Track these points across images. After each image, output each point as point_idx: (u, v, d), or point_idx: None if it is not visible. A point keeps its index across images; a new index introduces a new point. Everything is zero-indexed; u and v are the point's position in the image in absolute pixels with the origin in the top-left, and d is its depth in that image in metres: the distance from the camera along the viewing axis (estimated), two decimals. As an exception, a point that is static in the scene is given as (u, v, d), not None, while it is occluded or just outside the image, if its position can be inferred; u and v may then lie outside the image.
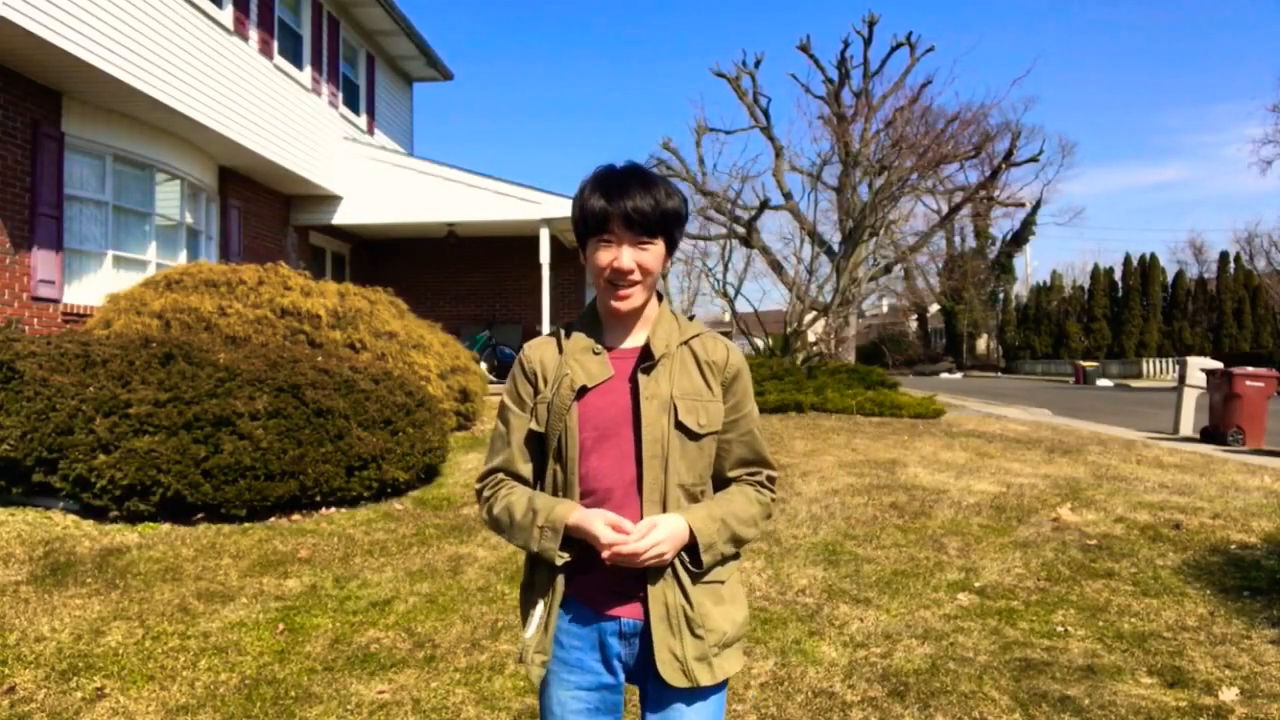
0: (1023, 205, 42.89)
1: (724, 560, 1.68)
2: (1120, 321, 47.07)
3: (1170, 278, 47.96)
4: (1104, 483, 7.34)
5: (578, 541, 1.59)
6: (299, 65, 12.80)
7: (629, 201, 1.58)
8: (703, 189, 26.61)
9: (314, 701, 3.25)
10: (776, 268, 24.59)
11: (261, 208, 13.09)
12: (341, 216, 14.02)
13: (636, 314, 1.69)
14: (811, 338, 17.85)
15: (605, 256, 1.62)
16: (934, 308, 56.39)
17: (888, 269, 29.08)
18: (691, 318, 1.77)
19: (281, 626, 3.95)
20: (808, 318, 17.36)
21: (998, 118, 41.08)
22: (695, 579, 1.63)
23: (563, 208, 13.06)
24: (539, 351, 1.72)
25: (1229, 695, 3.30)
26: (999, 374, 46.80)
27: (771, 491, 1.76)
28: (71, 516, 5.41)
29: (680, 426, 1.63)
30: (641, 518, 1.60)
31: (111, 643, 3.72)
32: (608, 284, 1.64)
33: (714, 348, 1.71)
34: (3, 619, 3.92)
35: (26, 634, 3.77)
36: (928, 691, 3.34)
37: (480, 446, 8.32)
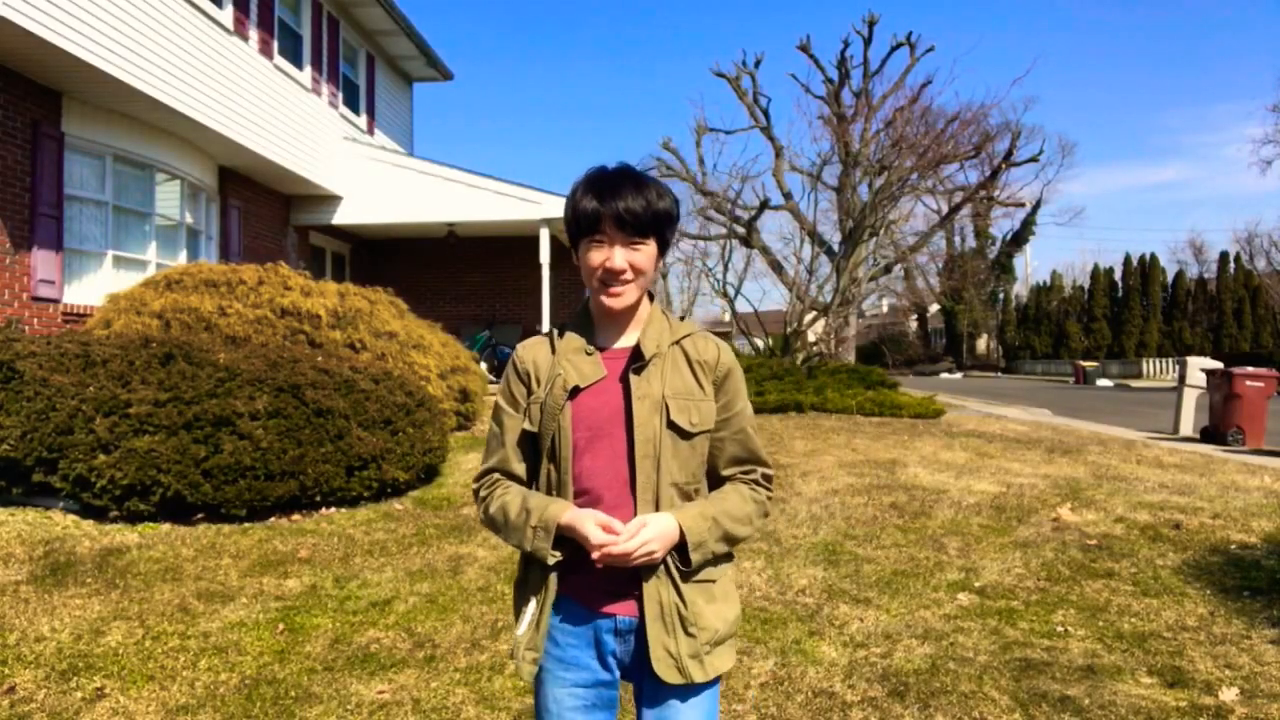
0: (1023, 205, 42.91)
1: (716, 559, 1.69)
2: (1120, 321, 47.07)
3: (1170, 278, 47.96)
4: (1104, 483, 7.34)
5: (571, 541, 1.61)
6: (299, 65, 12.80)
7: (621, 202, 1.60)
8: (703, 189, 26.62)
9: (314, 701, 3.25)
10: (776, 268, 24.59)
11: (261, 208, 13.09)
12: (341, 216, 14.02)
13: (628, 314, 1.70)
14: (811, 338, 17.86)
15: (597, 257, 1.63)
16: (934, 308, 56.39)
17: (888, 269, 29.08)
18: (683, 317, 1.79)
19: (281, 626, 3.95)
20: (808, 318, 17.36)
21: (998, 118, 41.11)
22: (686, 577, 1.65)
23: (562, 208, 13.03)
24: (532, 352, 1.74)
25: (1229, 695, 3.30)
26: (999, 374, 46.81)
27: (767, 489, 1.77)
28: (71, 516, 5.41)
29: (672, 426, 1.65)
30: (635, 517, 1.62)
31: (111, 643, 3.72)
32: (600, 284, 1.65)
33: (705, 347, 1.72)
34: (3, 619, 3.92)
35: (26, 634, 3.77)
36: (928, 691, 3.34)
37: (480, 446, 8.33)
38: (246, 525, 5.53)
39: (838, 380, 13.75)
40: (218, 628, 3.92)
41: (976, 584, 4.66)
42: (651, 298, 1.75)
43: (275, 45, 12.00)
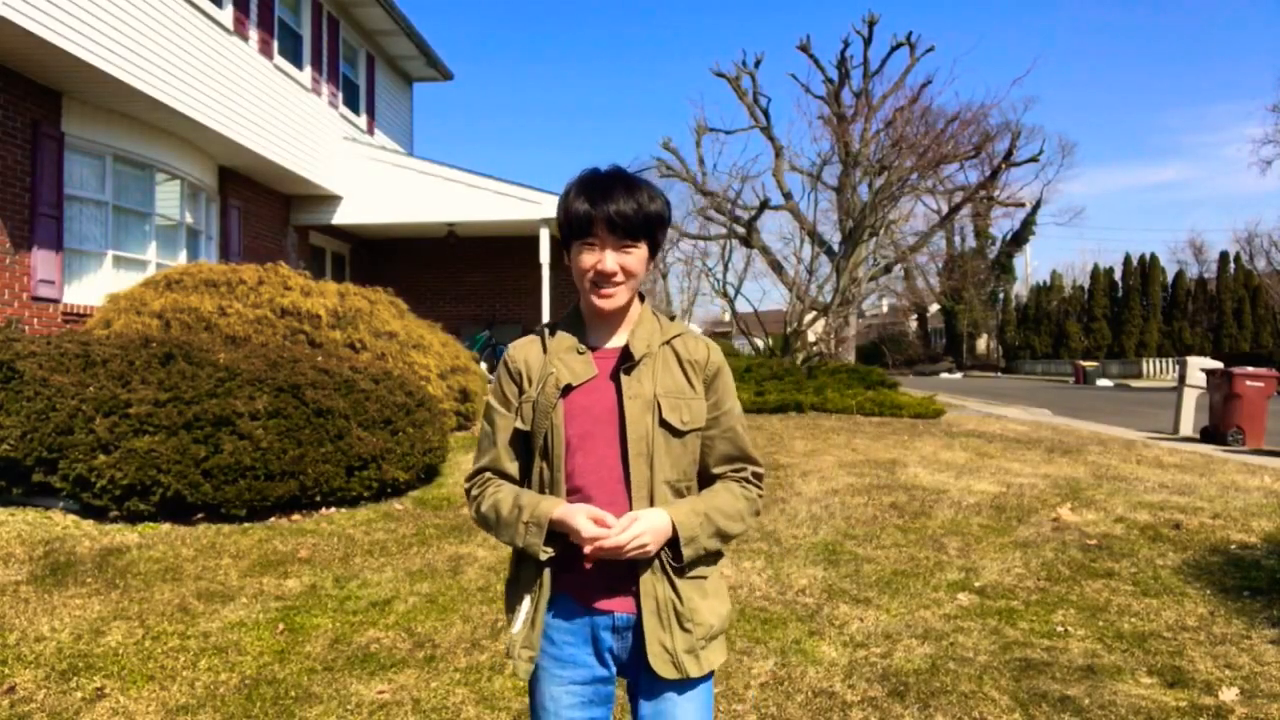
0: (1023, 205, 42.88)
1: (708, 555, 1.71)
2: (1120, 321, 47.07)
3: (1170, 278, 47.96)
4: (1104, 483, 7.34)
5: (564, 537, 1.63)
6: (299, 65, 12.80)
7: (612, 205, 1.62)
8: (703, 189, 26.60)
9: (314, 701, 3.25)
10: (776, 268, 24.58)
11: (261, 208, 13.09)
12: (341, 216, 14.02)
13: (619, 314, 1.72)
14: (811, 338, 17.85)
15: (589, 259, 1.65)
16: (934, 308, 56.39)
17: (888, 269, 29.05)
18: (673, 318, 1.81)
19: (281, 626, 3.95)
20: (808, 318, 17.36)
21: (998, 118, 41.09)
22: (679, 573, 1.67)
23: (563, 208, 13.05)
24: (523, 352, 1.75)
25: (1229, 695, 3.30)
26: (999, 374, 46.81)
27: (758, 487, 1.79)
28: (71, 516, 5.41)
29: (664, 424, 1.67)
30: (629, 512, 1.64)
31: (111, 643, 3.72)
32: (591, 285, 1.67)
33: (695, 346, 1.75)
34: (3, 619, 3.92)
35: (26, 634, 3.77)
36: (928, 691, 3.34)
37: (480, 446, 8.31)
38: (246, 525, 5.53)
39: (838, 380, 13.76)
40: (218, 628, 3.92)
41: (976, 584, 4.66)
42: (642, 298, 1.77)
43: (275, 45, 12.00)
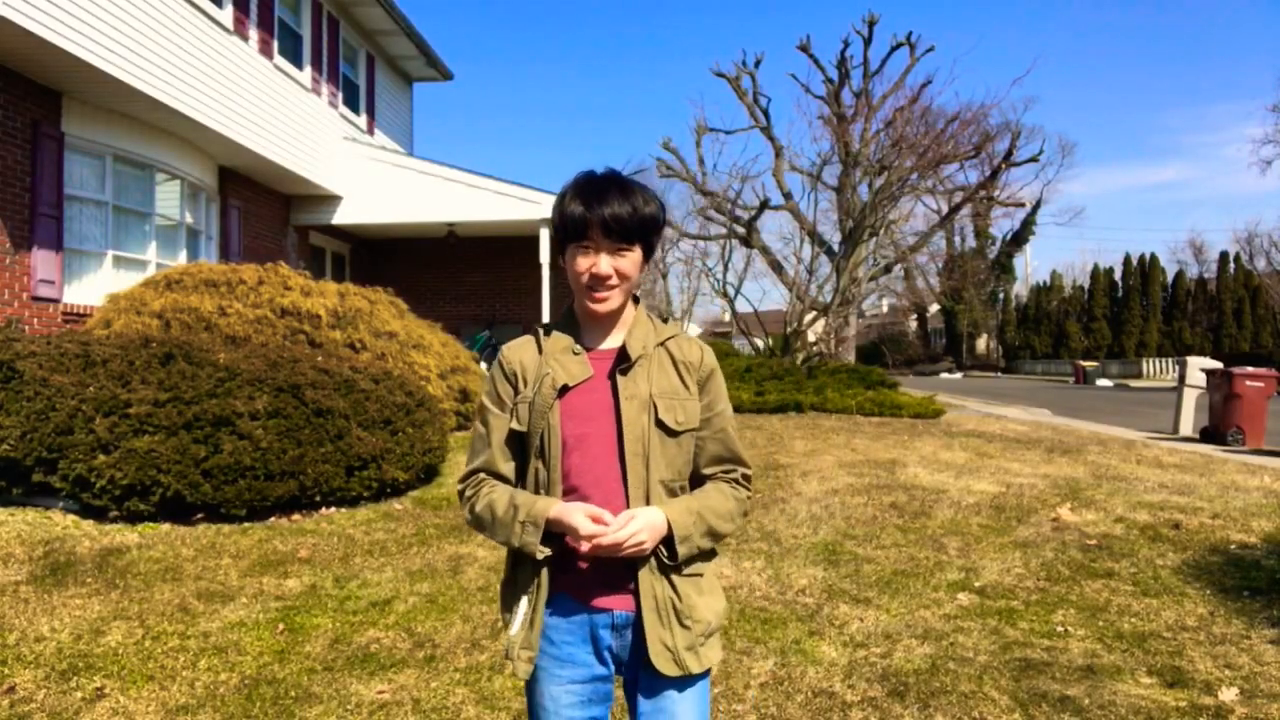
0: (1023, 205, 42.89)
1: (701, 553, 1.73)
2: (1120, 321, 47.07)
3: (1170, 278, 47.97)
4: (1104, 483, 7.34)
5: (560, 537, 1.64)
6: (299, 65, 12.80)
7: (607, 209, 1.63)
8: (703, 189, 26.61)
9: (314, 701, 3.25)
10: (776, 268, 24.57)
11: (261, 208, 13.09)
12: (341, 216, 14.02)
13: (614, 316, 1.74)
14: (811, 338, 17.85)
15: (584, 263, 1.67)
16: (934, 308, 56.39)
17: (888, 269, 29.06)
18: (666, 320, 1.83)
19: (281, 626, 3.95)
20: (808, 318, 17.36)
21: (998, 118, 41.11)
22: (675, 571, 1.69)
23: (563, 208, 13.06)
24: (518, 353, 1.77)
25: (1229, 695, 3.30)
26: (999, 374, 46.81)
27: (746, 489, 1.81)
28: (71, 516, 5.41)
29: (660, 424, 1.69)
30: (625, 510, 1.65)
31: (111, 643, 3.72)
32: (586, 288, 1.69)
33: (689, 348, 1.77)
34: (3, 619, 3.92)
35: (26, 634, 3.77)
36: (928, 691, 3.34)
37: (480, 446, 8.31)
38: (246, 525, 5.53)
39: (838, 380, 13.76)
40: (218, 628, 3.92)
41: (976, 584, 4.66)
42: (636, 300, 1.79)
43: (275, 45, 12.01)
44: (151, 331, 7.07)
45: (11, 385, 5.45)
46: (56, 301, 8.84)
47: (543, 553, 1.64)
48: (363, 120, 15.35)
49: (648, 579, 1.67)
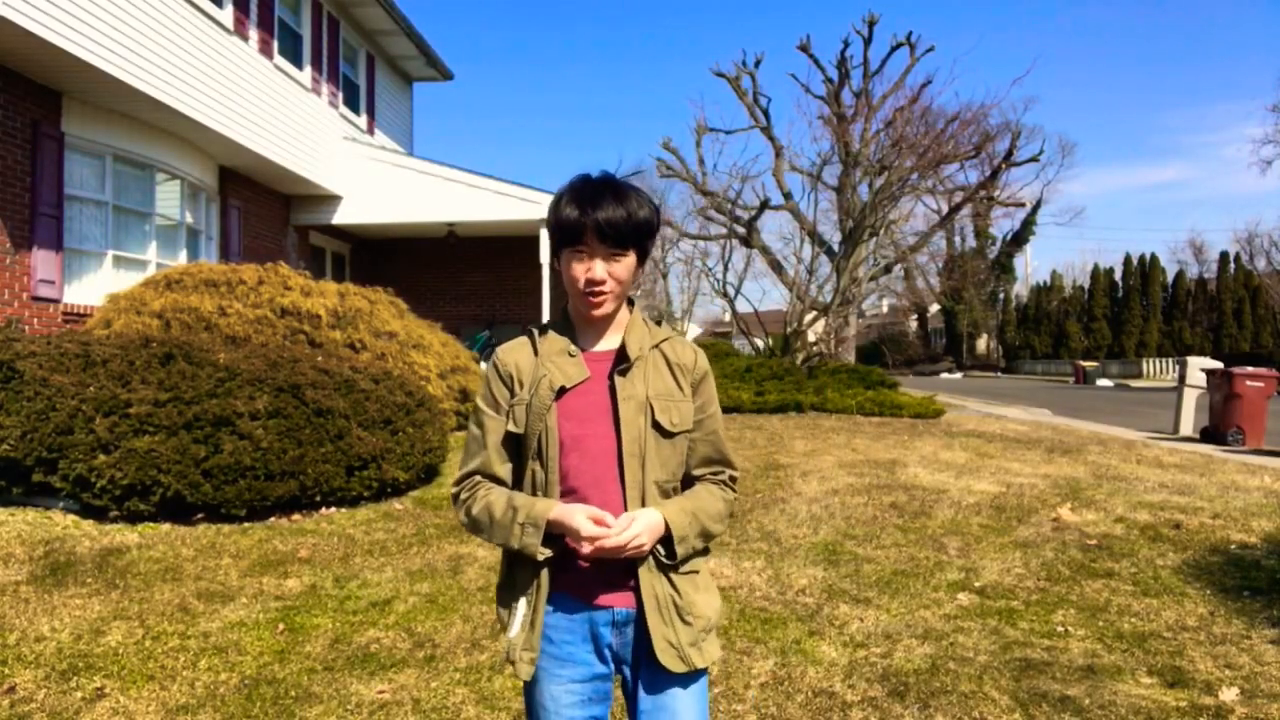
0: (1023, 205, 42.87)
1: (695, 552, 1.75)
2: (1120, 321, 47.08)
3: (1170, 278, 47.97)
4: (1104, 483, 7.34)
5: (557, 537, 1.65)
6: (299, 65, 12.80)
7: (602, 213, 1.64)
8: (703, 189, 26.59)
9: (314, 701, 3.25)
10: (776, 268, 24.56)
11: (261, 208, 13.09)
12: (341, 216, 14.02)
13: (608, 319, 1.76)
14: (811, 338, 17.84)
15: (579, 268, 1.69)
16: (934, 308, 56.40)
17: (888, 269, 29.04)
18: (659, 322, 1.85)
19: (281, 626, 3.95)
20: (808, 318, 17.35)
21: (998, 118, 40.98)
22: (673, 570, 1.71)
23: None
24: (514, 355, 1.78)
25: (1229, 695, 3.30)
26: (999, 374, 46.82)
27: (734, 490, 1.84)
28: (71, 516, 5.41)
29: (656, 426, 1.71)
30: (624, 512, 1.67)
31: (111, 643, 3.72)
32: (581, 293, 1.70)
33: (683, 351, 1.80)
34: (3, 619, 3.92)
35: (26, 634, 3.77)
36: (928, 691, 3.34)
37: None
38: (246, 525, 5.53)
39: (838, 380, 13.76)
40: (218, 628, 3.92)
41: (976, 584, 4.66)
42: (631, 303, 1.80)
43: (275, 45, 12.01)
44: (151, 331, 7.07)
45: (11, 385, 5.45)
46: (56, 301, 8.84)
47: (544, 554, 1.65)
48: (363, 120, 15.35)
49: (648, 578, 1.69)
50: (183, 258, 10.72)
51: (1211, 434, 11.49)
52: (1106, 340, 46.95)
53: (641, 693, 1.72)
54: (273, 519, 5.70)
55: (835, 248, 22.00)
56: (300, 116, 12.54)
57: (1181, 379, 12.76)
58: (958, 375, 44.46)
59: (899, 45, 28.06)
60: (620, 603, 1.70)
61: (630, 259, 1.70)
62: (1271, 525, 5.85)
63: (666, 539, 1.68)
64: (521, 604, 1.71)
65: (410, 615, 4.13)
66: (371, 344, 8.31)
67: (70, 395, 5.39)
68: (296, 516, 5.78)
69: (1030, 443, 9.78)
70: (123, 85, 8.68)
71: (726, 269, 20.32)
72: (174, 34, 9.42)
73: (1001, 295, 52.94)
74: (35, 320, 8.55)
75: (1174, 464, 8.54)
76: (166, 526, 5.40)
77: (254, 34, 11.39)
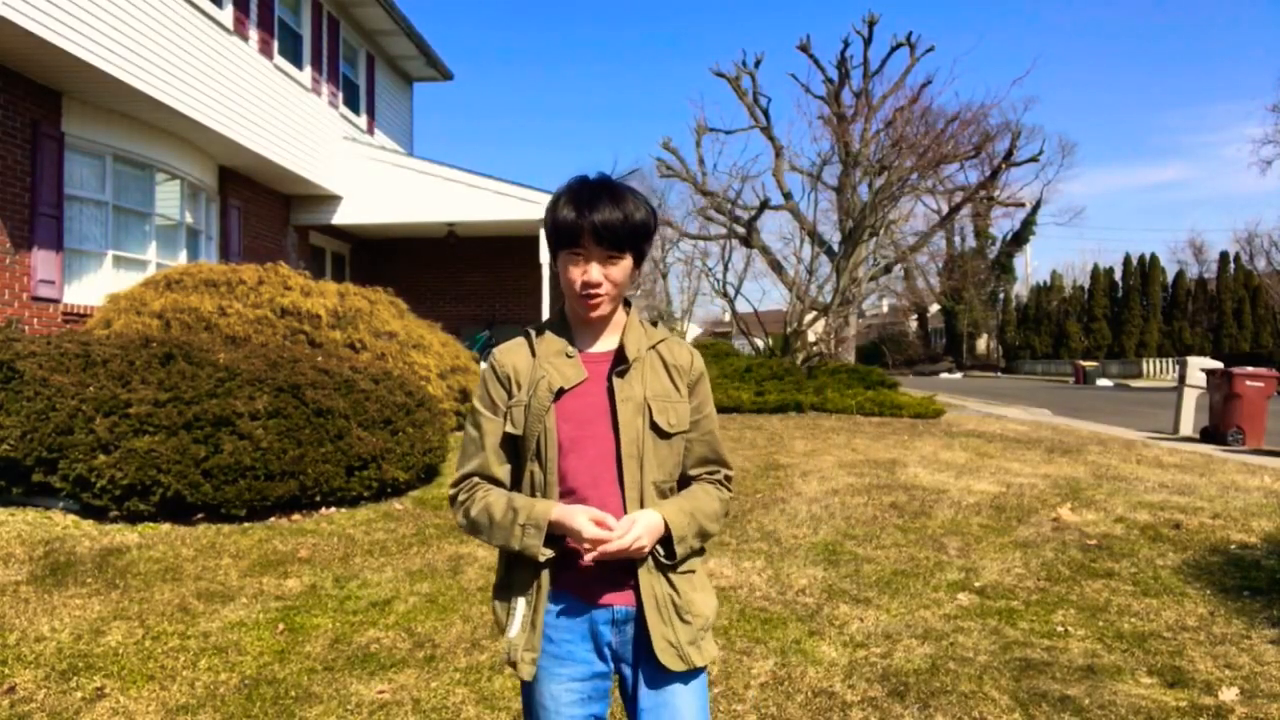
0: (1023, 205, 42.87)
1: (692, 553, 1.76)
2: (1120, 321, 47.08)
3: (1170, 278, 47.97)
4: (1104, 483, 7.34)
5: (558, 538, 1.66)
6: (299, 65, 12.80)
7: (598, 215, 1.65)
8: (703, 189, 26.60)
9: (314, 701, 3.25)
10: (776, 268, 24.56)
11: (261, 208, 13.09)
12: (341, 216, 14.02)
13: (605, 320, 1.76)
14: (811, 338, 17.84)
15: (576, 271, 1.69)
16: (934, 308, 56.39)
17: (888, 269, 29.05)
18: (655, 324, 1.85)
19: (281, 626, 3.95)
20: (808, 318, 17.35)
21: (998, 118, 40.97)
22: (672, 569, 1.72)
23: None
24: (511, 356, 1.78)
25: (1229, 695, 3.30)
26: (999, 374, 46.83)
27: (729, 490, 1.85)
28: (71, 516, 5.40)
29: (654, 427, 1.72)
30: (624, 513, 1.68)
31: (111, 643, 3.72)
32: (578, 295, 1.71)
33: (679, 352, 1.81)
34: (3, 619, 3.92)
35: (26, 634, 3.77)
36: (928, 691, 3.34)
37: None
38: (246, 525, 5.53)
39: (838, 380, 13.76)
40: (218, 628, 3.92)
41: (976, 584, 4.66)
42: (628, 304, 1.81)
43: (275, 45, 12.00)
44: (151, 331, 7.07)
45: (11, 385, 5.45)
46: (56, 301, 8.84)
47: (545, 555, 1.65)
48: (363, 120, 15.35)
49: (647, 579, 1.70)
50: (183, 258, 10.72)
51: (1211, 434, 11.49)
52: (1106, 340, 46.95)
53: (642, 690, 1.72)
54: (273, 519, 5.70)
55: (835, 248, 22.00)
56: (300, 116, 12.54)
57: (1181, 379, 12.76)
58: (958, 375, 44.46)
59: (899, 45, 28.07)
60: (620, 601, 1.71)
61: (627, 261, 1.70)
62: (1271, 525, 5.85)
63: (665, 539, 1.69)
64: (521, 604, 1.71)
65: (410, 615, 4.13)
66: (371, 344, 8.31)
67: (70, 395, 5.38)
68: (296, 516, 5.78)
69: (1030, 443, 9.78)
70: (123, 85, 8.68)
71: (726, 269, 20.34)
72: (174, 34, 9.42)
73: (1001, 295, 52.95)
74: (35, 320, 8.55)
75: (1174, 464, 8.54)
76: (166, 526, 5.40)
77: (254, 34, 11.39)
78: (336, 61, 14.15)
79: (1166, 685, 3.41)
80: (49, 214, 8.70)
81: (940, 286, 50.40)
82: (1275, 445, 10.92)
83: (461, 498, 1.76)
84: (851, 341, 24.64)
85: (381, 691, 3.33)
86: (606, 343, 1.77)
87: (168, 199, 10.65)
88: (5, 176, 8.24)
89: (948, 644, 3.81)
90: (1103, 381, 34.82)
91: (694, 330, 49.68)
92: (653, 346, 1.78)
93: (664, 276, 40.81)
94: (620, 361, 1.73)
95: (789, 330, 17.11)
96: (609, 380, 1.72)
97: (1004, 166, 33.03)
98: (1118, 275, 48.37)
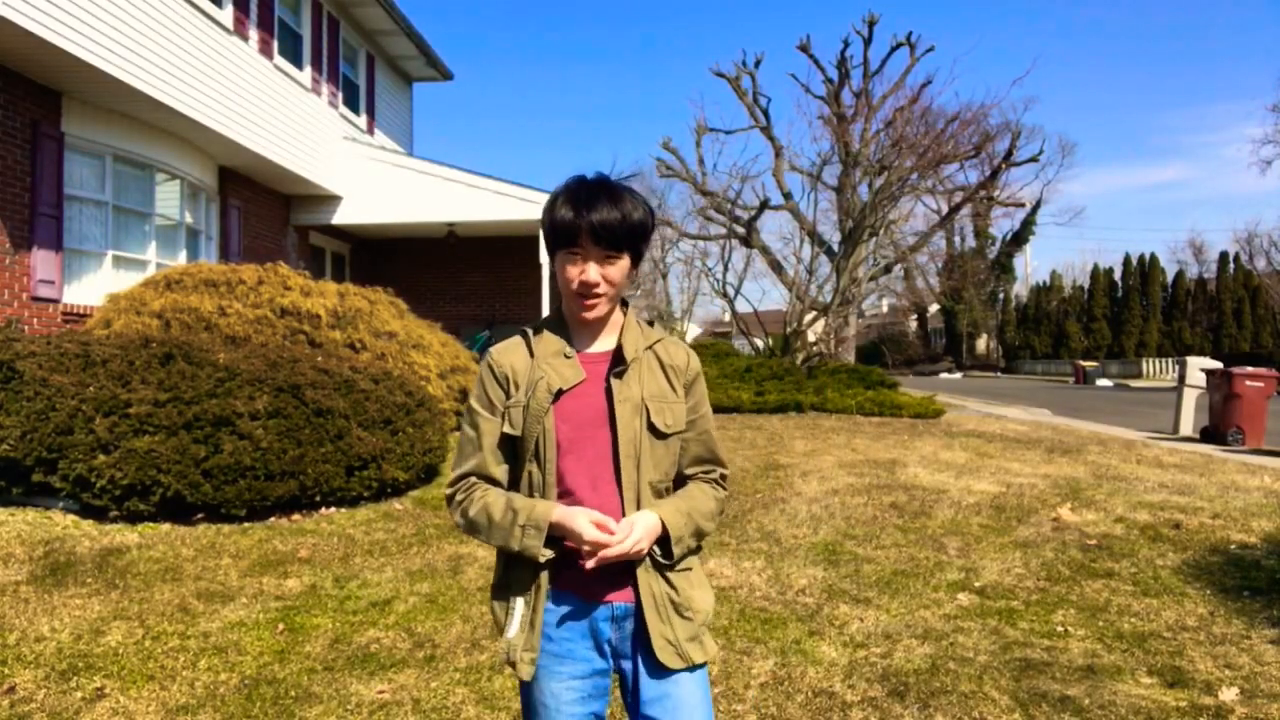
0: (1023, 205, 42.87)
1: (689, 551, 1.77)
2: (1120, 321, 47.08)
3: (1170, 278, 47.97)
4: (1104, 483, 7.34)
5: (557, 538, 1.66)
6: (299, 65, 12.80)
7: (596, 215, 1.64)
8: (703, 189, 26.60)
9: (314, 701, 3.25)
10: (776, 268, 24.56)
11: (261, 208, 13.09)
12: (341, 216, 14.02)
13: (602, 321, 1.76)
14: (811, 338, 17.84)
15: (573, 271, 1.69)
16: (934, 308, 56.40)
17: (888, 269, 29.05)
18: (652, 324, 1.85)
19: (281, 626, 3.95)
20: (808, 318, 17.35)
21: (998, 118, 41.00)
22: (668, 568, 1.73)
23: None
24: (508, 356, 1.77)
25: (1229, 695, 3.30)
26: (999, 374, 46.83)
27: (724, 488, 1.86)
28: (71, 516, 5.40)
29: (651, 427, 1.72)
30: (622, 514, 1.68)
31: (111, 643, 3.72)
32: (575, 295, 1.71)
33: (676, 352, 1.81)
34: (3, 619, 3.92)
35: (26, 634, 3.77)
36: (928, 691, 3.34)
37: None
38: (246, 525, 5.53)
39: (838, 380, 13.76)
40: (218, 628, 3.92)
41: (976, 584, 4.66)
42: (625, 305, 1.81)
43: (275, 45, 12.00)
44: (151, 331, 7.07)
45: (11, 385, 5.45)
46: (56, 301, 8.84)
47: (545, 555, 1.65)
48: (363, 120, 15.35)
49: (645, 577, 1.71)
50: (182, 258, 10.72)
51: (1211, 434, 11.49)
52: (1106, 340, 46.95)
53: (644, 681, 1.72)
54: (273, 519, 5.70)
55: (835, 248, 22.00)
56: (300, 116, 12.54)
57: (1181, 379, 12.76)
58: (957, 375, 44.46)
59: (899, 45, 28.08)
60: (619, 598, 1.72)
61: (624, 262, 1.70)
62: (1271, 525, 5.85)
63: (663, 539, 1.69)
64: (519, 604, 1.71)
65: (410, 615, 4.13)
66: (371, 344, 8.31)
67: (70, 395, 5.38)
68: (296, 516, 5.78)
69: (1030, 443, 9.78)
70: (123, 85, 8.68)
71: (726, 269, 20.35)
72: (174, 34, 9.42)
73: (1001, 295, 52.95)
74: (35, 320, 8.54)
75: (1174, 464, 8.54)
76: (166, 526, 5.40)
77: (254, 34, 11.39)
78: (336, 61, 14.15)
79: (1166, 685, 3.42)
80: (49, 214, 8.70)
81: (940, 286, 50.42)
82: (1275, 445, 10.92)
83: (459, 498, 1.76)
84: (851, 341, 24.65)
85: (381, 691, 3.33)
86: (604, 343, 1.77)
87: (167, 199, 10.64)
88: (5, 176, 8.24)
89: (948, 644, 3.81)
90: (1102, 381, 34.82)
91: (694, 330, 49.66)
92: (649, 347, 1.78)
93: (664, 276, 40.82)
94: (618, 362, 1.73)
95: (789, 330, 17.11)
96: (607, 381, 1.72)
97: (1004, 166, 33.05)
98: (1118, 275, 48.37)
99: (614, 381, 1.71)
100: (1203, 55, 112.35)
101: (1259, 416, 11.11)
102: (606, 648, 1.73)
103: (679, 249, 37.60)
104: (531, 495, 1.71)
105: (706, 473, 1.83)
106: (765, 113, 28.77)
